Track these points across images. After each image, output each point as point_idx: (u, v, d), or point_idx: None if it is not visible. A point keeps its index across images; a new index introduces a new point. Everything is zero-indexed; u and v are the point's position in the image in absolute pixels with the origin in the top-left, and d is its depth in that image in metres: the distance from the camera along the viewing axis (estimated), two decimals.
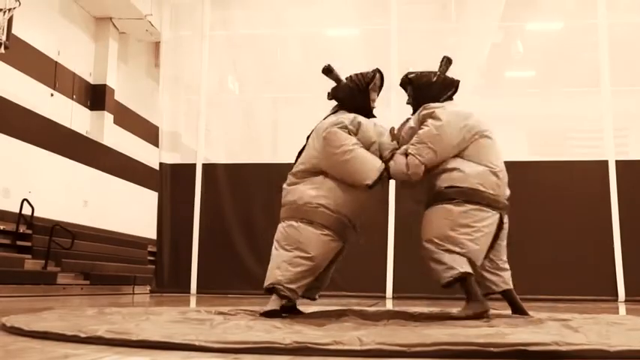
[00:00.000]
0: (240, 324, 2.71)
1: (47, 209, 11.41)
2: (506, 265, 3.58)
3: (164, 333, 2.26)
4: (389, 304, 6.23)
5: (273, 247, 3.52)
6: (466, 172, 3.36)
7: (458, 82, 3.74)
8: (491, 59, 10.06)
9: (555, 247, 8.24)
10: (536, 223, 8.32)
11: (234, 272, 8.51)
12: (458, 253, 3.27)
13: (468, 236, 3.28)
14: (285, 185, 3.61)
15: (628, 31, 9.33)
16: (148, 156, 15.11)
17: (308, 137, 3.65)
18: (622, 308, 6.24)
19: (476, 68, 9.99)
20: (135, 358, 2.01)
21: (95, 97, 14.26)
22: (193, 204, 8.97)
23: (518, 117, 9.55)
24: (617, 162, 8.45)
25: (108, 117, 14.49)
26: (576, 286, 8.00)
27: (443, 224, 3.33)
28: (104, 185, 14.07)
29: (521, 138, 9.71)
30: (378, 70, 3.70)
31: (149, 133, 15.40)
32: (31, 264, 9.91)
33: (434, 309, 4.05)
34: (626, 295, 8.00)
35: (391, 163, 3.45)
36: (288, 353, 1.98)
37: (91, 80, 14.33)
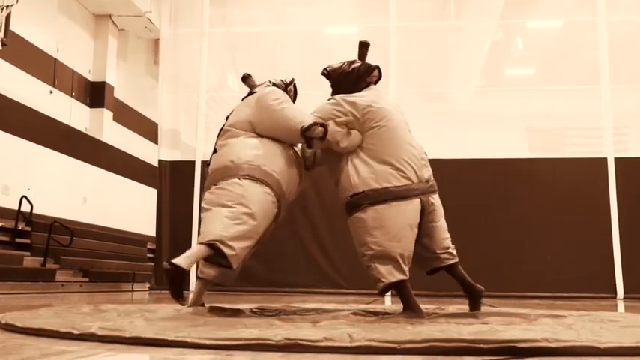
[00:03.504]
0: (234, 320, 2.72)
1: (46, 206, 11.43)
2: (448, 242, 3.56)
3: (157, 330, 2.27)
4: (387, 302, 6.23)
5: (206, 209, 3.37)
6: (365, 176, 3.37)
7: (375, 67, 3.70)
8: (491, 57, 10.04)
9: (554, 245, 8.25)
10: (536, 221, 8.34)
11: None
12: (381, 257, 3.28)
13: (386, 236, 3.29)
14: (214, 155, 3.60)
15: (627, 29, 9.33)
16: (148, 153, 15.12)
17: (227, 117, 3.71)
18: (620, 305, 6.25)
19: (475, 66, 9.98)
20: (128, 354, 2.02)
21: (94, 94, 14.28)
22: (192, 201, 8.97)
23: (518, 115, 9.55)
24: (617, 160, 8.46)
25: (107, 114, 14.50)
26: (575, 283, 8.02)
27: (360, 233, 3.37)
28: (103, 182, 14.09)
29: (521, 136, 9.70)
30: (292, 80, 3.87)
31: (148, 130, 15.41)
32: (30, 261, 9.92)
33: (430, 306, 4.05)
34: (625, 292, 8.01)
35: (330, 123, 3.45)
36: (280, 350, 1.99)
37: (91, 77, 14.34)
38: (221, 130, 3.67)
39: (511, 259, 8.28)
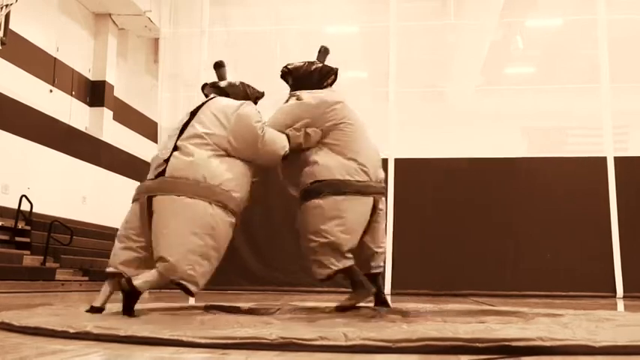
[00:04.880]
0: (230, 319, 2.72)
1: (46, 205, 11.44)
2: (382, 249, 3.68)
3: (153, 329, 2.27)
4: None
5: (169, 226, 3.15)
6: (328, 165, 3.45)
7: (336, 70, 3.84)
8: (491, 56, 10.05)
9: (553, 244, 8.24)
10: (535, 219, 8.33)
11: (232, 268, 8.50)
12: (330, 247, 3.35)
13: (340, 227, 3.36)
14: (177, 153, 3.34)
15: (627, 28, 9.32)
16: (147, 152, 15.10)
17: (193, 113, 3.49)
18: (620, 304, 6.24)
19: (475, 65, 9.99)
20: (123, 353, 2.02)
21: (94, 93, 14.30)
22: None
23: (518, 113, 9.56)
24: (616, 158, 8.44)
25: (107, 113, 14.52)
26: (574, 282, 8.01)
27: (314, 220, 3.42)
28: (103, 181, 14.10)
29: (521, 134, 9.72)
30: (263, 93, 3.87)
31: (148, 129, 15.42)
32: (29, 260, 9.93)
33: (428, 305, 4.05)
34: (625, 291, 8.00)
35: (290, 131, 3.51)
36: (274, 349, 1.99)
37: (90, 76, 14.35)
38: (187, 124, 3.41)
39: (510, 258, 8.28)
